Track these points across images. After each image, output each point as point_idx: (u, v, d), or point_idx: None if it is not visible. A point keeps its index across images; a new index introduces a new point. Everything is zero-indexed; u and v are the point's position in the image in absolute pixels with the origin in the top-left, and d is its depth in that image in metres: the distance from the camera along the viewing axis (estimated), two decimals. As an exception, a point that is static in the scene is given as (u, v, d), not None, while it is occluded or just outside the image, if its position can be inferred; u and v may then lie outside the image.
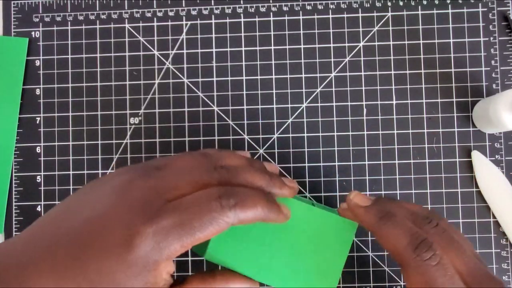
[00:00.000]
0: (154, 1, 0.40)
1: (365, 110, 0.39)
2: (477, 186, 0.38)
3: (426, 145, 0.39)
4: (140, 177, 0.24)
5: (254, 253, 0.28)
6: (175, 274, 0.38)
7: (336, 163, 0.39)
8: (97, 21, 0.40)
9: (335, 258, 0.29)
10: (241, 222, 0.24)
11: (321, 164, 0.39)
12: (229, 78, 0.40)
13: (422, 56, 0.39)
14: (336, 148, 0.39)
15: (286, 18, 0.40)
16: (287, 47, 0.40)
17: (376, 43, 0.39)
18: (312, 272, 0.28)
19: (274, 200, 0.26)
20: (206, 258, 0.28)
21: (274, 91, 0.39)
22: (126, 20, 0.40)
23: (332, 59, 0.39)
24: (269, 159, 0.39)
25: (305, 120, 0.39)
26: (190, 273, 0.39)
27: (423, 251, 0.25)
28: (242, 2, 0.40)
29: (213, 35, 0.40)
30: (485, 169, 0.38)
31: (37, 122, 0.40)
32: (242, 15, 0.40)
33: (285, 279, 0.28)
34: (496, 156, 0.38)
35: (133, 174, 0.24)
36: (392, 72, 0.39)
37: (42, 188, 0.39)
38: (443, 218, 0.28)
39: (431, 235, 0.26)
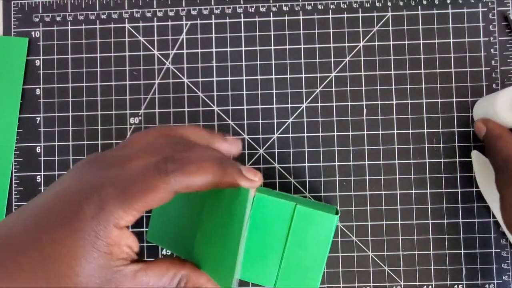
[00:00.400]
0: (154, 1, 0.40)
1: (365, 110, 0.39)
2: (477, 186, 0.38)
3: (426, 145, 0.39)
4: (98, 154, 0.25)
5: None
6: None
7: (336, 163, 0.39)
8: (97, 21, 0.40)
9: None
10: (187, 188, 0.23)
11: (321, 164, 0.39)
12: (229, 78, 0.40)
13: (422, 56, 0.39)
14: (336, 148, 0.39)
15: (286, 18, 0.40)
16: (287, 47, 0.40)
17: (376, 43, 0.39)
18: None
19: (230, 163, 0.25)
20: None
21: (274, 91, 0.40)
22: (126, 20, 0.40)
23: (332, 59, 0.39)
24: (269, 159, 0.39)
25: (305, 120, 0.39)
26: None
27: None
28: (242, 2, 0.40)
29: (213, 35, 0.40)
30: (485, 169, 0.38)
31: (37, 122, 0.40)
32: (242, 15, 0.40)
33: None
34: (496, 156, 0.38)
35: (89, 156, 0.26)
36: (392, 72, 0.39)
37: (42, 188, 0.39)
38: None
39: None
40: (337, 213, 0.30)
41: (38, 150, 0.40)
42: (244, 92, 0.40)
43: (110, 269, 0.22)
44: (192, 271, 0.25)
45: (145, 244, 0.39)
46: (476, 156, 0.38)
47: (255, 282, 0.28)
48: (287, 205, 0.29)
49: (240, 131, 0.39)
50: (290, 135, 0.39)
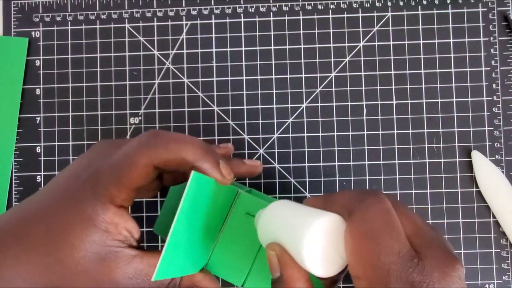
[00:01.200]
0: (154, 1, 0.40)
1: (365, 110, 0.39)
2: (477, 186, 0.38)
3: (426, 145, 0.39)
4: (105, 140, 0.28)
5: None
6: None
7: (336, 163, 0.39)
8: (97, 21, 0.40)
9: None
10: (166, 164, 0.23)
11: (321, 164, 0.39)
12: (229, 78, 0.40)
13: (422, 56, 0.39)
14: (336, 148, 0.39)
15: (286, 18, 0.40)
16: (287, 47, 0.40)
17: (376, 43, 0.39)
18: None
19: (213, 154, 0.25)
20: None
21: (274, 91, 0.39)
22: (126, 20, 0.40)
23: (332, 59, 0.39)
24: (269, 159, 0.39)
25: (305, 120, 0.39)
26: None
27: (369, 198, 0.22)
28: (242, 2, 0.40)
29: (213, 35, 0.40)
30: (485, 169, 0.38)
31: (37, 122, 0.40)
32: (242, 15, 0.40)
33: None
34: (496, 156, 0.38)
35: (103, 140, 0.28)
36: (392, 72, 0.39)
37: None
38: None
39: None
40: None
41: (38, 150, 0.40)
42: (244, 92, 0.40)
43: (105, 247, 0.23)
44: None
45: (145, 244, 0.39)
46: (476, 156, 0.38)
47: (225, 279, 0.28)
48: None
49: (240, 131, 0.39)
50: (290, 135, 0.39)
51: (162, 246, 0.39)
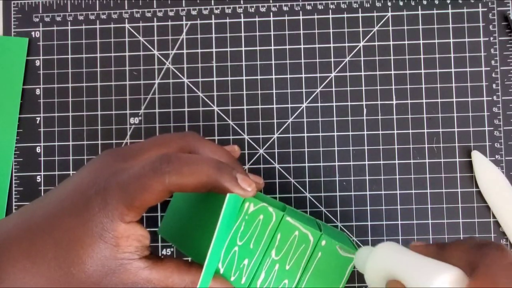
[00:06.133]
0: (154, 1, 0.40)
1: (365, 110, 0.39)
2: (477, 186, 0.38)
3: (426, 145, 0.39)
4: (114, 149, 0.27)
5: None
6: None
7: (336, 163, 0.39)
8: (97, 21, 0.40)
9: None
10: (181, 189, 0.23)
11: (321, 164, 0.39)
12: (229, 78, 0.40)
13: (422, 56, 0.39)
14: (336, 148, 0.39)
15: (286, 18, 0.40)
16: (287, 47, 0.40)
17: (376, 43, 0.39)
18: None
19: (228, 169, 0.25)
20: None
21: (274, 91, 0.40)
22: (126, 20, 0.40)
23: (332, 59, 0.39)
24: (269, 159, 0.39)
25: (305, 120, 0.39)
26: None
27: (492, 251, 0.22)
28: (242, 2, 0.40)
29: (213, 35, 0.40)
30: (485, 169, 0.38)
31: (37, 122, 0.40)
32: (242, 15, 0.40)
33: None
34: (496, 156, 0.38)
35: (112, 148, 0.27)
36: (392, 72, 0.39)
37: (42, 188, 0.39)
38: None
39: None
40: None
41: (38, 150, 0.40)
42: (244, 92, 0.40)
43: (115, 261, 0.23)
44: (198, 277, 0.25)
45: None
46: (476, 156, 0.38)
47: None
48: (309, 230, 0.27)
49: (240, 131, 0.39)
50: (290, 135, 0.39)
51: (163, 247, 0.39)
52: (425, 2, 0.40)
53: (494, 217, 0.38)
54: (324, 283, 0.27)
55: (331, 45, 0.40)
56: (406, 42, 0.39)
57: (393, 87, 0.39)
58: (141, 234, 0.24)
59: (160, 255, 0.38)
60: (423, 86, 0.39)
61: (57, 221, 0.23)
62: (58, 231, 0.23)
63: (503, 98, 0.39)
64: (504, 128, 0.39)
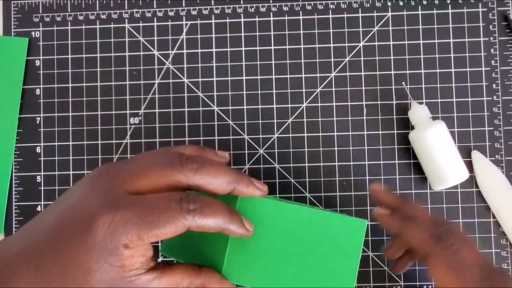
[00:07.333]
0: (154, 1, 0.40)
1: (365, 110, 0.39)
2: (477, 186, 0.38)
3: (426, 145, 0.39)
4: (108, 167, 0.25)
5: (263, 265, 0.27)
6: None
7: (336, 163, 0.39)
8: (97, 21, 0.40)
9: (347, 260, 0.27)
10: (199, 228, 0.24)
11: (321, 164, 0.39)
12: (229, 78, 0.40)
13: (422, 56, 0.39)
14: (336, 148, 0.39)
15: (286, 18, 0.40)
16: (287, 47, 0.40)
17: (376, 43, 0.39)
18: (324, 279, 0.27)
19: (236, 213, 0.26)
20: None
21: (274, 91, 0.39)
22: (126, 20, 0.40)
23: (332, 59, 0.39)
24: (269, 159, 0.39)
25: (305, 120, 0.39)
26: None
27: (443, 240, 0.28)
28: (242, 2, 0.40)
29: (213, 35, 0.40)
30: (485, 169, 0.38)
31: (37, 122, 0.40)
32: (242, 15, 0.40)
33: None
34: (496, 156, 0.38)
35: (104, 166, 0.26)
36: (392, 72, 0.39)
37: (42, 188, 0.39)
38: (454, 222, 0.31)
39: (448, 232, 0.29)
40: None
41: (38, 150, 0.40)
42: (244, 92, 0.40)
43: (123, 280, 0.23)
44: (208, 280, 0.26)
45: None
46: (476, 156, 0.38)
47: None
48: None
49: (240, 131, 0.39)
50: (290, 135, 0.39)
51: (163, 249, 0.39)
52: (425, 2, 0.40)
53: (494, 217, 0.38)
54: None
55: (331, 45, 0.40)
56: (406, 42, 0.39)
57: (393, 87, 0.39)
58: (144, 248, 0.24)
59: (160, 255, 0.38)
60: (423, 86, 0.39)
61: (61, 248, 0.23)
62: (63, 258, 0.23)
63: (503, 98, 0.39)
64: (504, 128, 0.39)
